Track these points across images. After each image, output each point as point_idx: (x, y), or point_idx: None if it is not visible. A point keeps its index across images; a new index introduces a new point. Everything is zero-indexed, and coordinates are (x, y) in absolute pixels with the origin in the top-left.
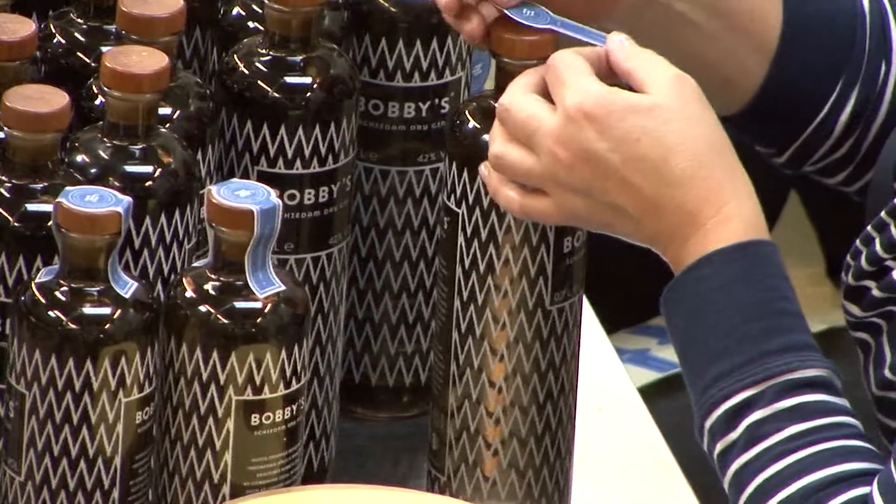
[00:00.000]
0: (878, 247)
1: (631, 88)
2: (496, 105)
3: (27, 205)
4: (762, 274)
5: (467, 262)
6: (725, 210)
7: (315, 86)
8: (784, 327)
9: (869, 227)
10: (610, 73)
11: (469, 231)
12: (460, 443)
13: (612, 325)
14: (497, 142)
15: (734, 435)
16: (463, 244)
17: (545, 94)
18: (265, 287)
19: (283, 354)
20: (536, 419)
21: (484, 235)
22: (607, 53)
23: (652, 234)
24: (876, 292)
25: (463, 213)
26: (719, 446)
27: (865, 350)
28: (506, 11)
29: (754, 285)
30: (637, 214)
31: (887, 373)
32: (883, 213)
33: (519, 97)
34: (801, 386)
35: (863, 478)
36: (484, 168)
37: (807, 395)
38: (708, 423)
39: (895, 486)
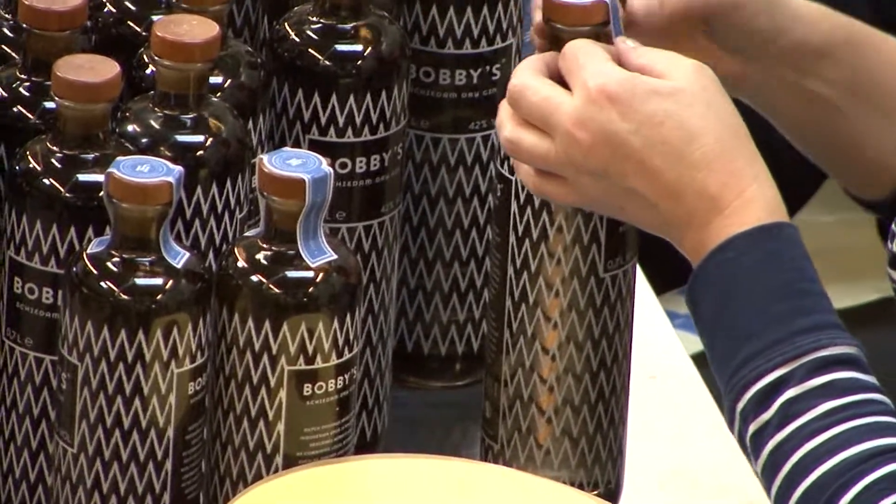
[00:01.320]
0: None
1: None
2: (508, 88)
3: (78, 175)
4: (787, 256)
5: (520, 230)
6: (747, 194)
7: (366, 53)
8: (810, 307)
9: None
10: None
11: (522, 199)
12: (514, 411)
13: (663, 285)
14: (508, 126)
15: (767, 415)
16: (516, 212)
17: (554, 79)
18: (317, 256)
19: (336, 324)
20: (590, 387)
21: (537, 203)
22: (619, 54)
23: (669, 219)
24: None
25: (516, 181)
26: (752, 427)
27: None
28: None
29: (779, 267)
30: (654, 199)
31: None
32: None
33: (532, 80)
34: (832, 363)
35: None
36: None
37: (838, 372)
38: (740, 406)
39: None
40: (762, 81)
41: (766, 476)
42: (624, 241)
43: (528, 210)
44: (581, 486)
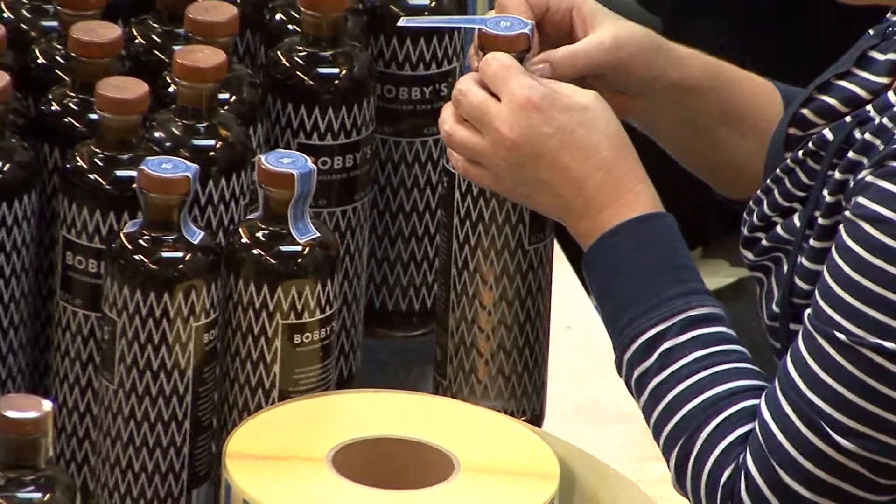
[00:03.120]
0: (765, 207)
1: None
2: (454, 91)
3: (116, 171)
4: (664, 238)
5: (462, 213)
6: (635, 190)
7: (342, 75)
8: (684, 278)
9: (759, 191)
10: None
11: (463, 188)
12: (458, 355)
13: (577, 257)
14: (448, 122)
15: (648, 362)
16: (458, 198)
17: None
18: (304, 234)
19: (319, 287)
20: (518, 335)
21: (475, 191)
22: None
23: (570, 206)
24: (765, 243)
25: (458, 175)
26: (637, 372)
27: (760, 287)
28: (485, 27)
29: (657, 247)
30: (560, 189)
31: (775, 307)
32: (768, 181)
33: (472, 86)
34: (701, 320)
35: (753, 391)
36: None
37: (705, 327)
38: (627, 356)
39: (776, 398)
40: (645, 111)
41: (647, 412)
42: (544, 222)
43: (469, 197)
44: (512, 414)
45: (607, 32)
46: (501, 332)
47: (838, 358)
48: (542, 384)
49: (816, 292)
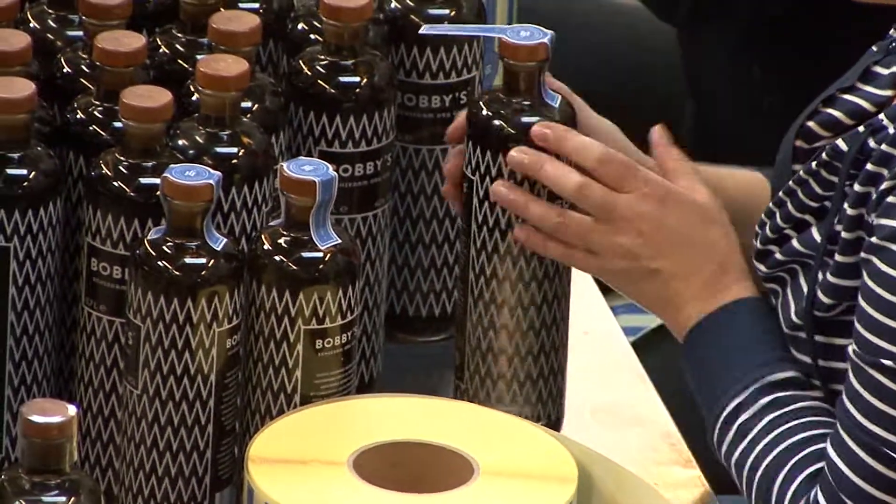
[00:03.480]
0: (778, 219)
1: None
2: (577, 181)
3: (140, 179)
4: (752, 319)
5: (480, 218)
6: (741, 283)
7: (363, 84)
8: (761, 349)
9: (771, 204)
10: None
11: (481, 194)
12: (476, 359)
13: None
14: (575, 219)
15: (730, 436)
16: (477, 204)
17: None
18: (325, 241)
19: (340, 293)
20: (533, 340)
21: (493, 198)
22: (654, 145)
23: (674, 293)
24: (779, 255)
25: (477, 181)
26: (723, 449)
27: (775, 298)
28: (505, 36)
29: (746, 328)
30: (670, 278)
31: (794, 318)
32: (781, 193)
33: (589, 182)
34: (774, 386)
35: (822, 437)
36: (519, 233)
37: (779, 392)
38: (714, 436)
39: (839, 436)
40: None
41: (738, 481)
42: None
43: (486, 204)
44: (531, 418)
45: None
46: (519, 338)
47: (890, 384)
48: (560, 389)
49: (856, 323)
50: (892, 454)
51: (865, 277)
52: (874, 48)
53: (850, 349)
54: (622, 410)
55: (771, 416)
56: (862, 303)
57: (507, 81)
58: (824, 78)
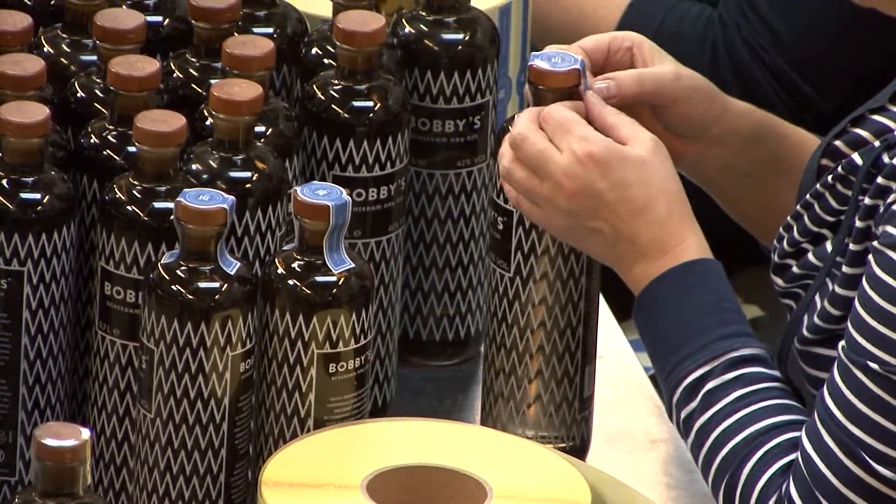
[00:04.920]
0: (795, 233)
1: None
2: (512, 133)
3: (154, 203)
4: (711, 282)
5: (515, 243)
6: (686, 242)
7: (376, 108)
8: (726, 320)
9: (789, 217)
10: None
11: (515, 220)
12: (499, 381)
13: (624, 315)
14: (507, 158)
15: (694, 403)
16: (512, 228)
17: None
18: (339, 265)
19: (354, 317)
20: (557, 364)
21: (527, 224)
22: (587, 105)
23: (619, 255)
24: (795, 269)
25: (515, 211)
26: (683, 413)
27: (790, 312)
28: (536, 62)
29: (706, 290)
30: (612, 240)
31: (806, 332)
32: (798, 206)
33: (533, 132)
34: (743, 361)
35: (794, 425)
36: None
37: (746, 368)
38: (674, 399)
39: (816, 430)
40: (699, 159)
41: (695, 451)
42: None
43: (521, 228)
44: (556, 442)
45: (669, 66)
46: (540, 361)
47: (873, 388)
48: (585, 414)
49: (849, 323)
50: (866, 457)
51: (863, 280)
52: None
53: (839, 346)
54: (636, 435)
55: (739, 391)
56: (856, 304)
57: (538, 106)
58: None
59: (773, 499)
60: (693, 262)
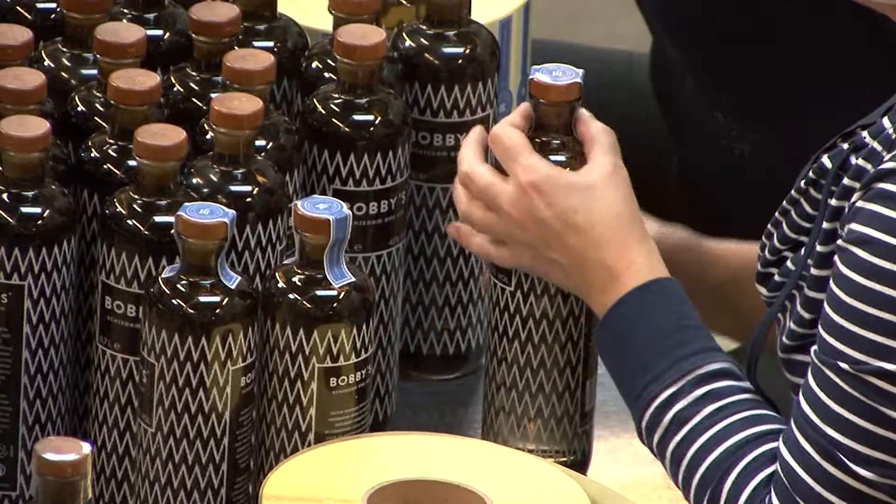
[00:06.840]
0: (776, 241)
1: (577, 141)
2: (459, 172)
3: (155, 217)
4: (668, 302)
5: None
6: (635, 264)
7: (377, 122)
8: (688, 338)
9: (769, 225)
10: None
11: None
12: (500, 395)
13: None
14: (463, 202)
15: (664, 424)
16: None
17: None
18: (340, 279)
19: (354, 331)
20: (558, 379)
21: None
22: (577, 117)
23: (578, 284)
24: (777, 277)
25: None
26: (656, 437)
27: (777, 322)
28: (537, 76)
29: (663, 311)
30: (568, 268)
31: (785, 339)
32: (777, 214)
33: (476, 167)
34: (710, 377)
35: (772, 435)
36: (451, 228)
37: (714, 383)
38: (644, 423)
39: (793, 437)
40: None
41: (673, 472)
42: None
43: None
44: (558, 456)
45: (652, 226)
46: (541, 375)
47: (846, 387)
48: (587, 427)
49: (819, 325)
50: (843, 458)
51: (831, 280)
52: None
53: (812, 350)
54: (637, 447)
55: (709, 408)
56: (825, 304)
57: (541, 122)
58: (794, 129)
59: None
60: (646, 285)
